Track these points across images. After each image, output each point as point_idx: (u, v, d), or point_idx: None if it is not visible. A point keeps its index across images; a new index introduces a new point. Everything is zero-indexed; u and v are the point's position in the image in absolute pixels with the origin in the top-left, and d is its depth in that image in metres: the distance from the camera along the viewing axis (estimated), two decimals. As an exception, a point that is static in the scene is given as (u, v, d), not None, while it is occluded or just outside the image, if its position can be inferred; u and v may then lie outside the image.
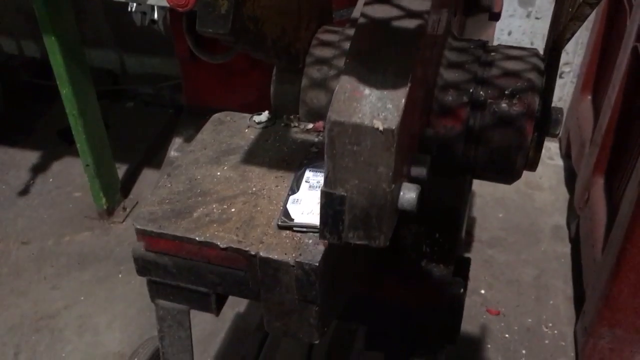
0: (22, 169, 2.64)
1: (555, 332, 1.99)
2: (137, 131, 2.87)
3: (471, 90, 0.82)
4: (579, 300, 2.01)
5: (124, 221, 2.39)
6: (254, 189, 0.78)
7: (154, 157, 2.71)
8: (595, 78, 2.39)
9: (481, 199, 2.50)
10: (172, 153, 1.12)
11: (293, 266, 0.69)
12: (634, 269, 1.60)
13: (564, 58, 2.57)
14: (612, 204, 1.93)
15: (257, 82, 1.31)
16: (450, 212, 1.20)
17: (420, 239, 1.19)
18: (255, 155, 0.83)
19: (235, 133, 0.87)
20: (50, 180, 2.61)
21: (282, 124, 0.89)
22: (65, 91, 2.03)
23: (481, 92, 0.82)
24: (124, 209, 2.43)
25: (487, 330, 1.99)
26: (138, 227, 0.76)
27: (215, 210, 0.75)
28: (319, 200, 0.70)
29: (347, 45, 0.87)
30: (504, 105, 0.81)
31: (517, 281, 2.16)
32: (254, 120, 0.89)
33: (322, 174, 0.75)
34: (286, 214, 0.72)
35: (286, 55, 0.81)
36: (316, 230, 0.71)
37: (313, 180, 0.76)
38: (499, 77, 0.82)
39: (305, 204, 0.73)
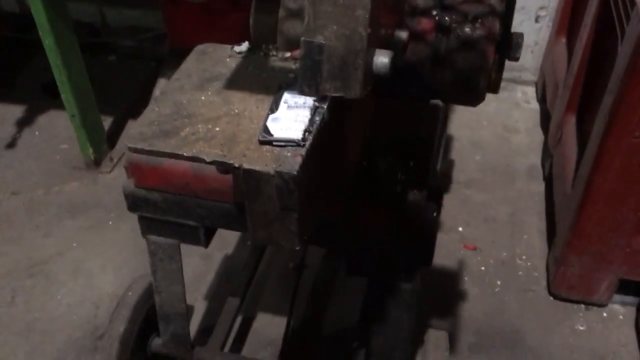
0: (7, 123, 2.66)
1: (529, 264, 2.09)
2: (120, 84, 2.89)
3: (436, 15, 0.88)
4: (551, 234, 2.10)
5: (111, 171, 2.44)
6: (236, 110, 0.84)
7: (138, 109, 2.72)
8: (569, 21, 2.44)
9: (459, 142, 2.58)
10: (158, 93, 1.14)
11: (273, 176, 0.75)
12: (600, 199, 1.69)
13: (539, 2, 2.62)
14: (582, 141, 2.01)
15: (237, 23, 1.35)
16: (424, 142, 1.28)
17: (395, 167, 1.27)
18: (236, 82, 0.88)
19: (217, 62, 0.93)
20: (37, 133, 2.64)
21: (261, 54, 0.94)
22: (47, 41, 2.05)
23: (446, 18, 0.88)
24: (111, 159, 2.48)
25: (464, 264, 2.09)
26: (130, 145, 0.82)
27: (200, 130, 0.81)
28: (296, 118, 0.77)
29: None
30: (467, 29, 0.87)
31: (493, 219, 2.25)
32: (235, 51, 0.95)
33: (300, 96, 0.82)
34: (266, 130, 0.79)
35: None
36: (294, 144, 0.78)
37: (291, 101, 0.82)
38: (463, 3, 0.88)
39: (284, 122, 0.80)
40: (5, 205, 2.31)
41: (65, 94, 2.21)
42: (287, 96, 0.83)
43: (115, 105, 2.72)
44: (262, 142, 0.79)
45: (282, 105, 0.82)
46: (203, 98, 0.86)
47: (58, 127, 2.64)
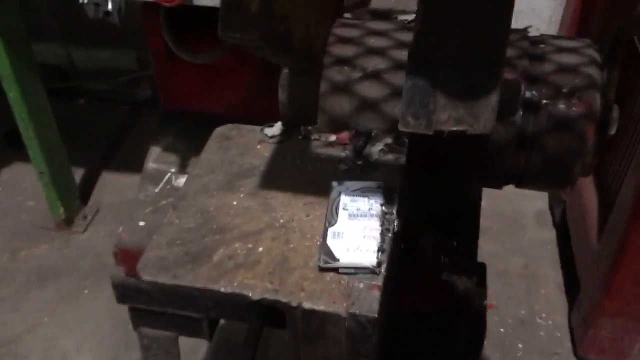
0: (-34, 179, 2.41)
1: (550, 322, 1.93)
2: (92, 131, 2.67)
3: (523, 90, 0.71)
4: (571, 287, 1.96)
5: (85, 231, 2.21)
6: (281, 220, 0.65)
7: (113, 158, 2.53)
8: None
9: (461, 186, 2.43)
10: (150, 164, 0.97)
11: (345, 318, 0.56)
12: (637, 258, 1.54)
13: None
14: (602, 189, 1.87)
15: (244, 81, 1.16)
16: (467, 218, 1.11)
17: (438, 248, 1.09)
18: (275, 178, 0.69)
19: (245, 150, 0.73)
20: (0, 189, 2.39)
21: (300, 137, 0.76)
22: (12, 93, 1.83)
23: (534, 92, 0.71)
24: (84, 217, 2.25)
25: (482, 325, 1.91)
26: (147, 278, 0.62)
27: (239, 251, 0.61)
28: (363, 232, 0.58)
29: (371, 41, 0.74)
30: (561, 106, 0.70)
31: (506, 271, 2.10)
32: (266, 134, 0.76)
33: (361, 199, 0.63)
34: (328, 252, 0.60)
35: (308, 56, 0.68)
36: (367, 271, 0.59)
37: (352, 207, 0.64)
38: (553, 74, 0.71)
39: (349, 239, 0.61)
40: (-35, 275, 2.05)
41: (33, 150, 1.98)
42: (345, 200, 0.65)
43: (86, 155, 2.50)
44: (324, 269, 0.60)
45: (342, 214, 0.63)
46: (235, 203, 0.66)
47: (23, 182, 2.40)
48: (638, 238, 1.51)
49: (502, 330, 1.90)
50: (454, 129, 0.51)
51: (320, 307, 0.57)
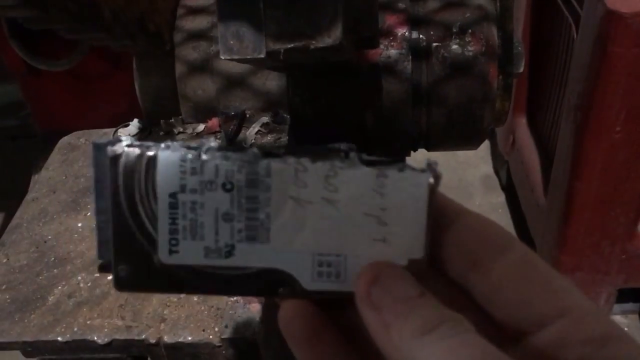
0: None
1: (512, 288, 1.86)
2: (6, 172, 2.48)
3: (408, 36, 0.60)
4: (528, 249, 1.90)
5: (10, 280, 2.03)
6: (136, 236, 0.52)
7: (33, 197, 2.35)
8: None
9: (402, 165, 2.34)
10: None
11: (220, 346, 0.45)
12: (585, 207, 1.47)
13: None
14: (541, 143, 1.81)
15: (125, 85, 1.03)
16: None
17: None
18: (130, 186, 0.57)
19: (95, 159, 0.61)
20: None
21: (162, 133, 0.64)
22: None
23: (421, 35, 0.60)
24: (8, 265, 2.07)
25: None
26: (-39, 342, 0.49)
27: (82, 285, 0.49)
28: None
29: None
30: (454, 46, 0.60)
31: (461, 244, 2.02)
32: (120, 136, 0.63)
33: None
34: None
35: (144, 33, 0.56)
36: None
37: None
38: (440, 11, 0.61)
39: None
40: None
41: None
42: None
43: (5, 199, 2.31)
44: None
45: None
46: (80, 225, 0.54)
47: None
48: (582, 188, 1.44)
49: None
50: (291, 46, 0.39)
51: (188, 337, 0.45)
